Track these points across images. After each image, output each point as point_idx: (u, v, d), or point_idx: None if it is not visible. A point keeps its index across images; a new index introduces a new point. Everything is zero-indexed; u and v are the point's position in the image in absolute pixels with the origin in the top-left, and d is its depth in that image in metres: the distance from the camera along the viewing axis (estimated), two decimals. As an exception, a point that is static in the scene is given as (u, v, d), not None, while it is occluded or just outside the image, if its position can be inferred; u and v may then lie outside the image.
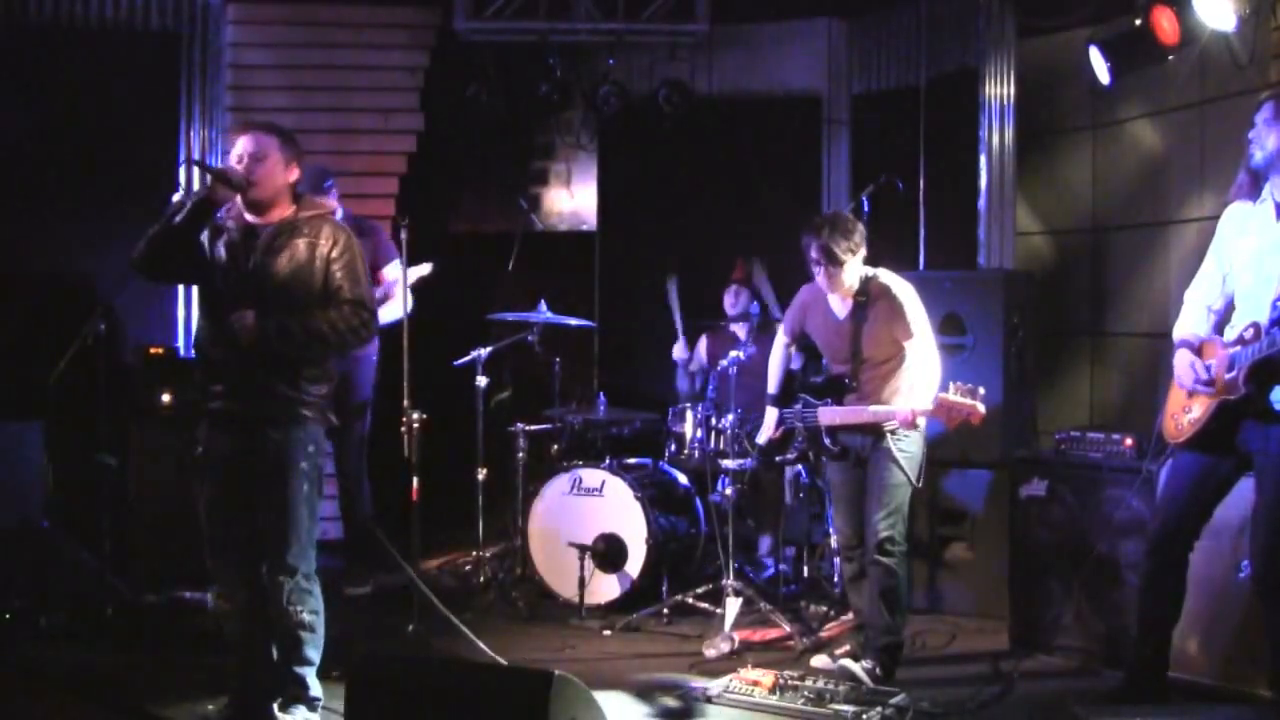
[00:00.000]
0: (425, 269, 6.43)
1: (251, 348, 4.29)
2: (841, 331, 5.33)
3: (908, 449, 5.17)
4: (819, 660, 5.43)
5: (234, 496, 4.43)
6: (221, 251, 4.44)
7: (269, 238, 4.42)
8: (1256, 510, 4.25)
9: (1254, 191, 4.32)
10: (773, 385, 5.68)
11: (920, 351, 5.20)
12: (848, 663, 5.20)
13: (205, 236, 4.43)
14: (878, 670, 5.11)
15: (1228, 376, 4.22)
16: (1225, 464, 4.38)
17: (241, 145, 4.43)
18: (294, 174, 4.49)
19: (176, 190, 7.43)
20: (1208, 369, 4.31)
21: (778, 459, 5.69)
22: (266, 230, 4.43)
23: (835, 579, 6.51)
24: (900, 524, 5.19)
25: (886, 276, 5.29)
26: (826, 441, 5.32)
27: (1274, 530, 4.15)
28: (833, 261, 5.18)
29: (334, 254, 4.42)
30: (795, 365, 5.82)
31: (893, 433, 5.15)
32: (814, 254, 5.22)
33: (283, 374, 4.39)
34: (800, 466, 6.80)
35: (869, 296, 5.25)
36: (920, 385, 5.14)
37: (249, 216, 4.46)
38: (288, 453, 4.38)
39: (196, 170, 7.43)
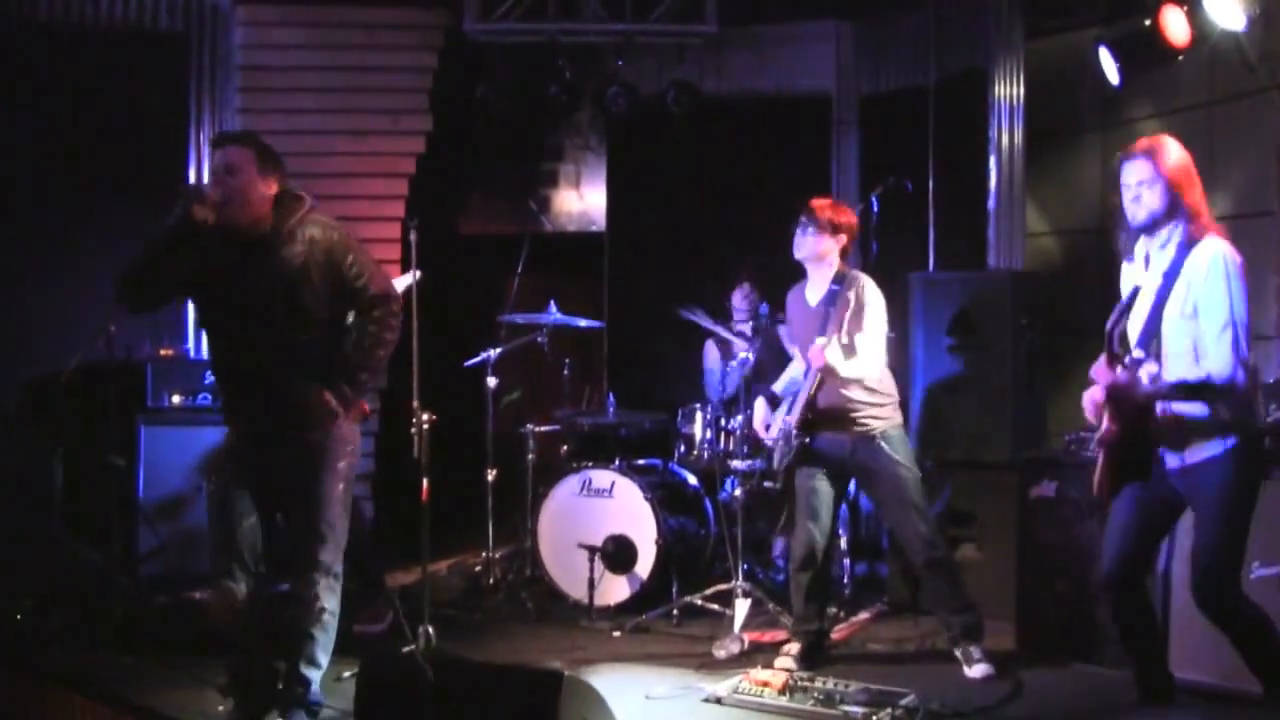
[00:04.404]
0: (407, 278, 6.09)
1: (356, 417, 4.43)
2: (813, 318, 5.42)
3: (900, 447, 5.34)
4: (761, 673, 5.11)
5: (264, 495, 4.42)
6: (211, 269, 4.39)
7: (254, 253, 4.36)
8: (1195, 538, 4.22)
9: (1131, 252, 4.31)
10: (778, 384, 5.90)
11: (863, 347, 5.27)
12: (974, 673, 5.24)
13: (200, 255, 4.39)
14: (978, 651, 5.27)
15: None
16: (1162, 488, 4.28)
17: (214, 159, 4.41)
18: (274, 187, 4.40)
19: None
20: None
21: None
22: (251, 245, 4.37)
23: (845, 580, 6.51)
24: (929, 515, 5.36)
25: (864, 278, 5.41)
26: (794, 442, 5.40)
27: (1210, 553, 4.13)
28: (801, 221, 5.36)
29: (337, 257, 4.39)
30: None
31: (879, 435, 5.30)
32: (803, 216, 5.41)
33: (312, 378, 4.38)
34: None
35: (842, 286, 5.34)
36: (851, 363, 5.22)
37: (232, 231, 4.37)
38: (328, 451, 4.39)
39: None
